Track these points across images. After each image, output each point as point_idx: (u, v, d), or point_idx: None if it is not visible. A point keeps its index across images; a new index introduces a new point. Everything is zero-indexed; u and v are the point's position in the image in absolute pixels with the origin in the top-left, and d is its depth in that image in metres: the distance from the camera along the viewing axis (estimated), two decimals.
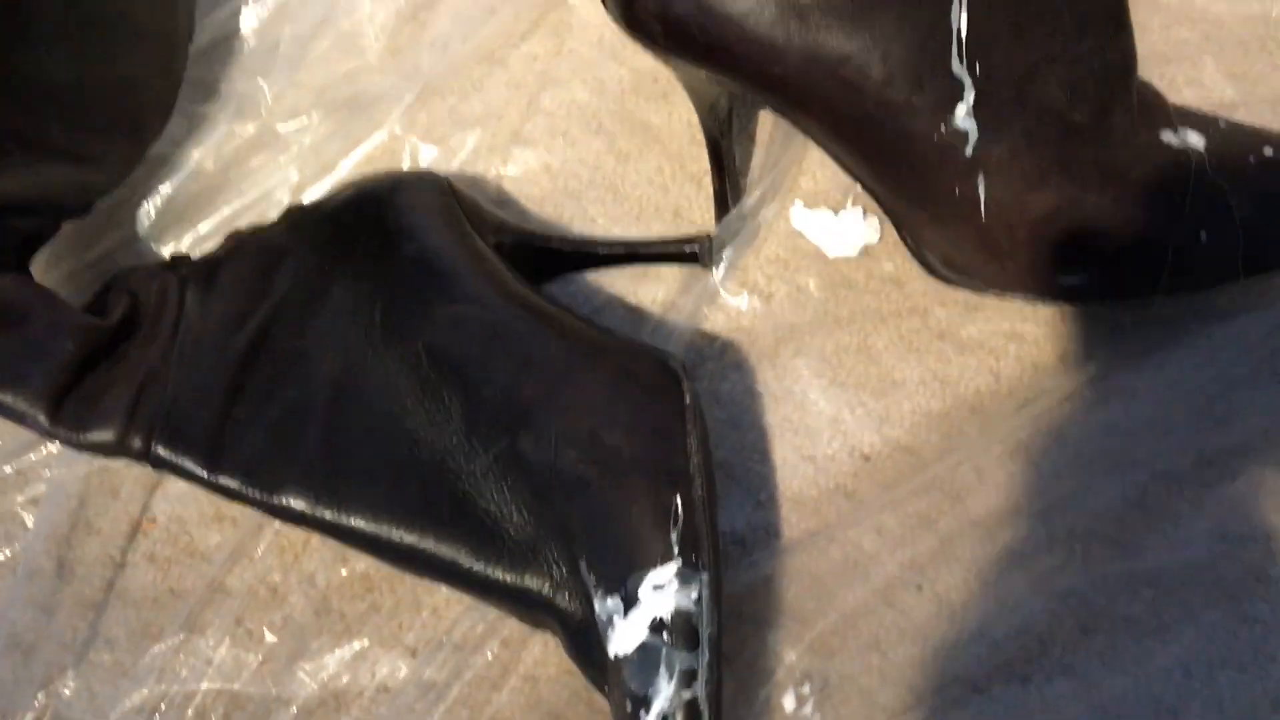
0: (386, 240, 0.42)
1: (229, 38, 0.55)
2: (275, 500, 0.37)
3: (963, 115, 0.38)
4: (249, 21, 0.55)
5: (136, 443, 0.37)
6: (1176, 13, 0.49)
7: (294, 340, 0.40)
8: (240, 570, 0.46)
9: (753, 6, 0.38)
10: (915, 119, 0.39)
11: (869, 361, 0.46)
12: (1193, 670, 0.39)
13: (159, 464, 0.37)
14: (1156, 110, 0.41)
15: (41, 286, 0.40)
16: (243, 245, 0.45)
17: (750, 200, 0.48)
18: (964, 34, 0.38)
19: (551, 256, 0.46)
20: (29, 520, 0.47)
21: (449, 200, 0.44)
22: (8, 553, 0.47)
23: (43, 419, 0.36)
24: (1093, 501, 0.42)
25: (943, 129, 0.39)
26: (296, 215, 0.46)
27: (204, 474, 0.37)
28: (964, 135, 0.39)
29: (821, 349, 0.46)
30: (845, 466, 0.45)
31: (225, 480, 0.37)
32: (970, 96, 0.38)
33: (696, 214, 0.50)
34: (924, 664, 0.40)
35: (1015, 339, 0.45)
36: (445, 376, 0.39)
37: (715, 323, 0.48)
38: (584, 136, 0.52)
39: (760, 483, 0.45)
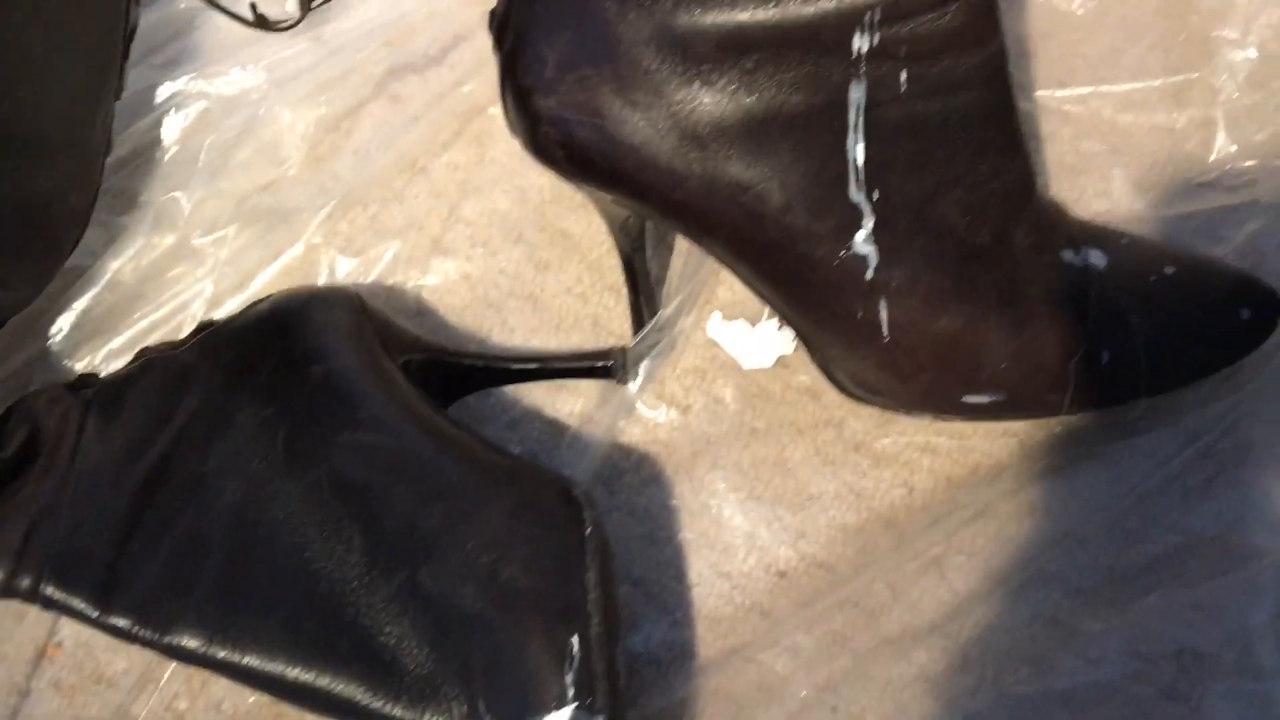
0: (293, 362, 0.42)
1: (150, 147, 0.55)
2: (166, 640, 0.36)
3: (862, 240, 0.39)
4: (170, 131, 0.55)
5: (25, 583, 0.36)
6: (1086, 124, 0.49)
7: (195, 467, 0.40)
8: (146, 697, 0.45)
9: (652, 135, 0.38)
10: (815, 245, 0.39)
11: (785, 474, 0.46)
12: None
13: (49, 605, 0.37)
14: (1058, 229, 0.42)
15: None
16: (150, 365, 0.44)
17: (668, 311, 0.48)
18: (860, 163, 0.38)
19: (464, 373, 0.46)
20: None
21: (359, 319, 0.44)
22: None
23: None
24: (1006, 619, 0.42)
25: (843, 254, 0.39)
26: (207, 334, 0.45)
27: (94, 614, 0.36)
28: (864, 260, 0.39)
29: (738, 462, 0.46)
30: (761, 584, 0.44)
31: (115, 620, 0.36)
32: (869, 223, 0.39)
33: (615, 324, 0.50)
34: None
35: (929, 452, 0.45)
36: (347, 506, 0.38)
37: (632, 435, 0.47)
38: (504, 246, 0.52)
39: (676, 600, 0.44)
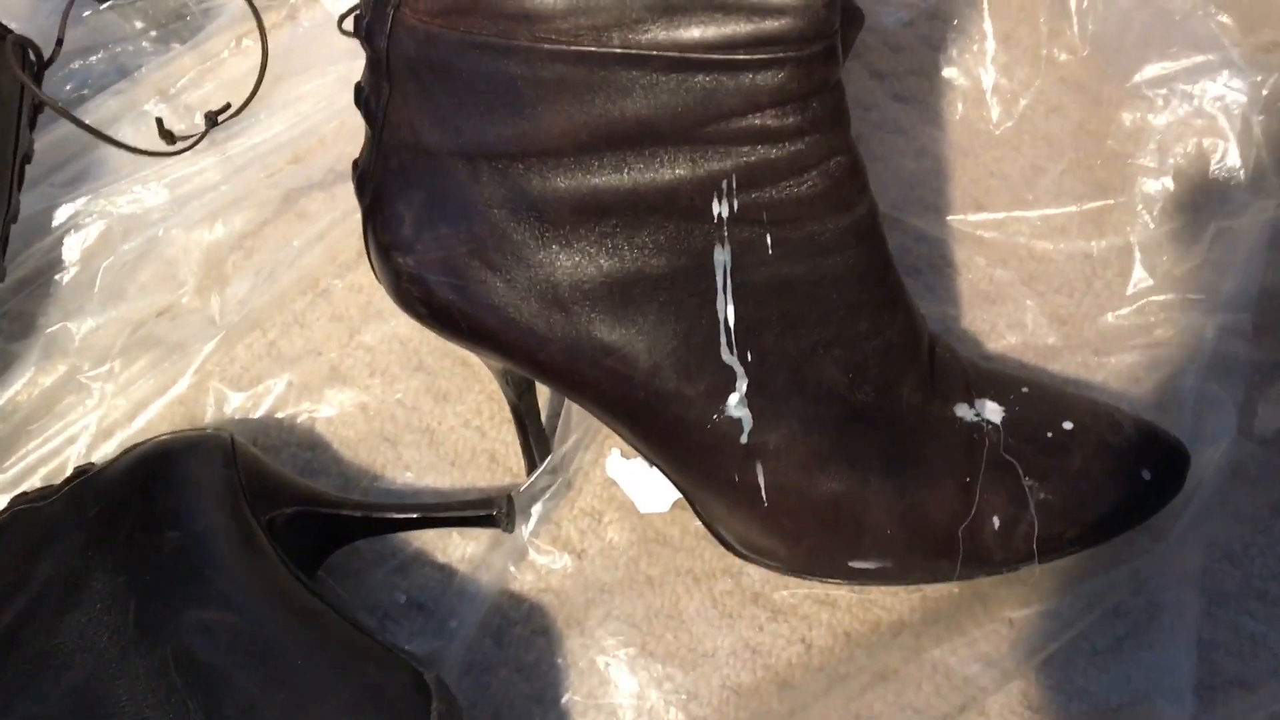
0: (152, 523, 0.40)
1: (50, 268, 0.54)
2: None
3: (735, 403, 0.37)
4: (70, 253, 0.54)
5: None
6: (1001, 250, 0.47)
7: (44, 642, 0.38)
8: None
9: (512, 297, 0.37)
10: (687, 408, 0.37)
11: (679, 628, 0.44)
12: None
13: None
14: (954, 380, 0.40)
15: None
16: (17, 519, 0.43)
17: (564, 449, 0.46)
18: (731, 323, 0.36)
19: (345, 522, 0.44)
20: None
21: (228, 473, 0.42)
22: None
23: None
24: None
25: (716, 418, 0.37)
26: (78, 483, 0.44)
27: None
28: (738, 423, 0.37)
29: (631, 614, 0.44)
30: None
31: None
32: (742, 385, 0.37)
33: (513, 460, 0.48)
34: None
35: (828, 605, 0.43)
36: (190, 686, 0.37)
37: (524, 582, 0.46)
38: (404, 374, 0.50)
39: None
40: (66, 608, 0.39)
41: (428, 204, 0.36)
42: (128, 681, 0.37)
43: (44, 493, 0.45)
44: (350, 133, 0.56)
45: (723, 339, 0.37)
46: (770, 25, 0.32)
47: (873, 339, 0.38)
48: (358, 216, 0.52)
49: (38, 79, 0.49)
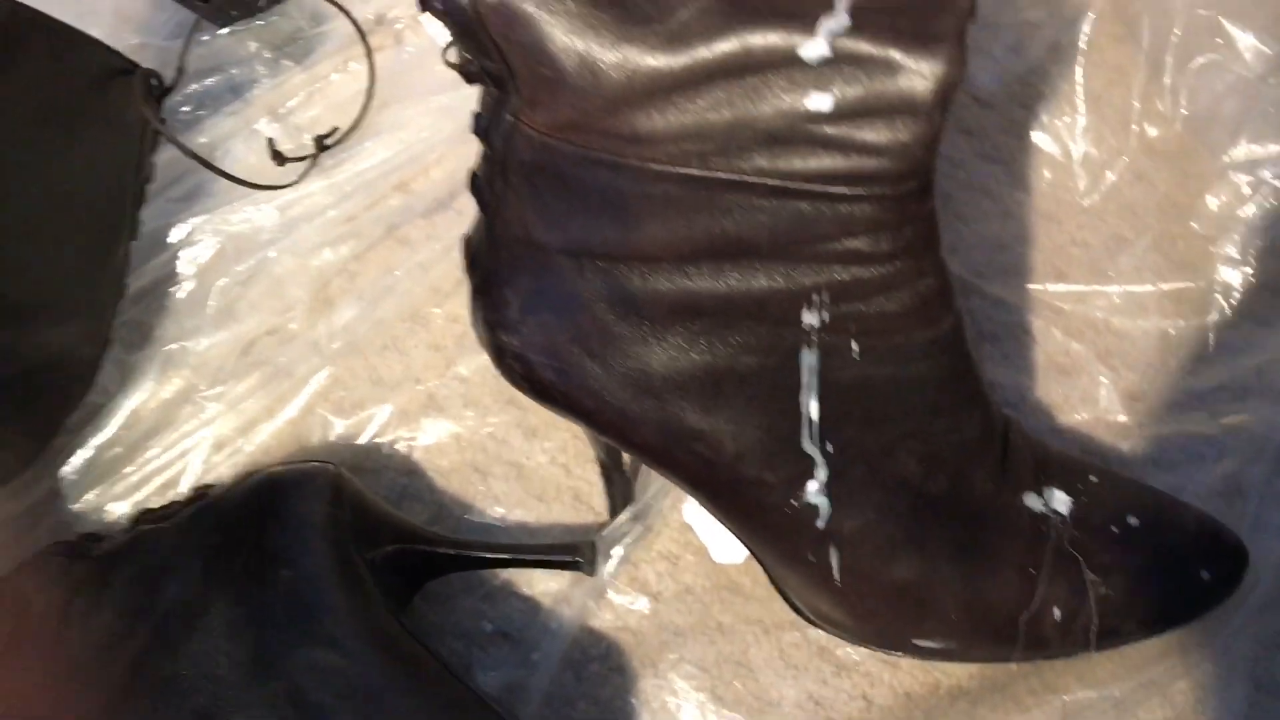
0: (267, 558, 0.44)
1: (166, 281, 0.57)
2: None
3: (814, 491, 0.39)
4: (184, 268, 0.57)
5: None
6: (1079, 323, 0.49)
7: (170, 667, 0.42)
8: None
9: (609, 384, 0.39)
10: (768, 492, 0.39)
11: (747, 676, 0.47)
12: None
13: None
14: (1024, 468, 0.42)
15: None
16: (140, 542, 0.46)
17: (646, 496, 0.49)
18: (815, 417, 0.38)
19: (439, 559, 0.48)
20: None
21: (335, 511, 0.45)
22: None
23: None
24: None
25: (794, 502, 0.39)
26: (197, 508, 0.47)
27: None
28: (815, 509, 0.39)
29: (703, 659, 0.47)
30: None
31: None
32: (822, 474, 0.39)
33: (596, 499, 0.51)
34: None
35: (890, 666, 0.46)
36: None
37: (603, 620, 0.49)
38: (495, 407, 0.53)
39: None
40: (189, 635, 0.42)
41: (534, 292, 0.39)
42: (245, 712, 0.40)
43: (165, 512, 0.48)
44: (452, 163, 0.58)
45: (804, 431, 0.39)
46: (868, 163, 0.33)
47: (950, 435, 0.39)
48: (457, 247, 0.55)
49: (159, 104, 0.52)
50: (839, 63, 0.32)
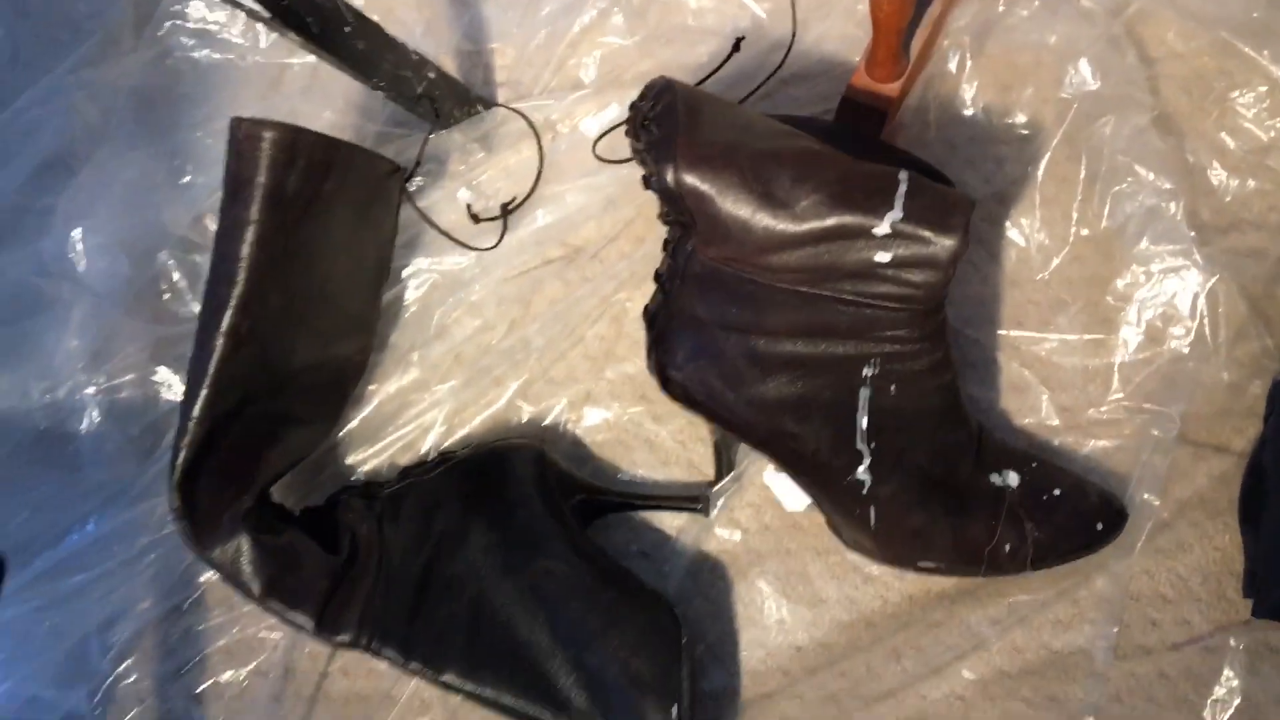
0: (504, 505, 0.65)
1: (397, 303, 0.78)
2: (442, 678, 0.61)
3: (862, 471, 0.61)
4: (411, 296, 0.78)
5: (364, 642, 0.61)
6: (1029, 358, 0.70)
7: (449, 568, 0.64)
8: (402, 686, 0.70)
9: (738, 405, 0.61)
10: (833, 472, 0.62)
11: (805, 583, 0.69)
12: None
13: (376, 655, 0.62)
14: (990, 456, 0.64)
15: (301, 536, 0.64)
16: (411, 488, 0.68)
17: (741, 465, 0.71)
18: (864, 428, 0.61)
19: (606, 505, 0.70)
20: (270, 640, 0.72)
21: (543, 470, 0.67)
22: (256, 662, 0.72)
23: (311, 628, 0.61)
24: (934, 692, 0.65)
25: (849, 478, 0.62)
26: (448, 465, 0.68)
27: (402, 663, 0.61)
28: (862, 483, 0.62)
29: (777, 571, 0.70)
30: (784, 653, 0.68)
31: (414, 665, 0.61)
32: (867, 461, 0.61)
33: (704, 465, 0.73)
34: None
35: (900, 578, 0.68)
36: (542, 604, 0.62)
37: (710, 545, 0.71)
38: (633, 402, 0.75)
39: (731, 660, 0.68)
40: (458, 549, 0.64)
41: (694, 348, 0.61)
42: (503, 596, 0.62)
43: (419, 469, 0.70)
44: (598, 226, 0.79)
45: (858, 436, 0.61)
46: (909, 292, 0.55)
47: (946, 439, 0.62)
48: (602, 286, 0.77)
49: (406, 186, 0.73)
50: (895, 236, 0.54)
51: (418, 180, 0.78)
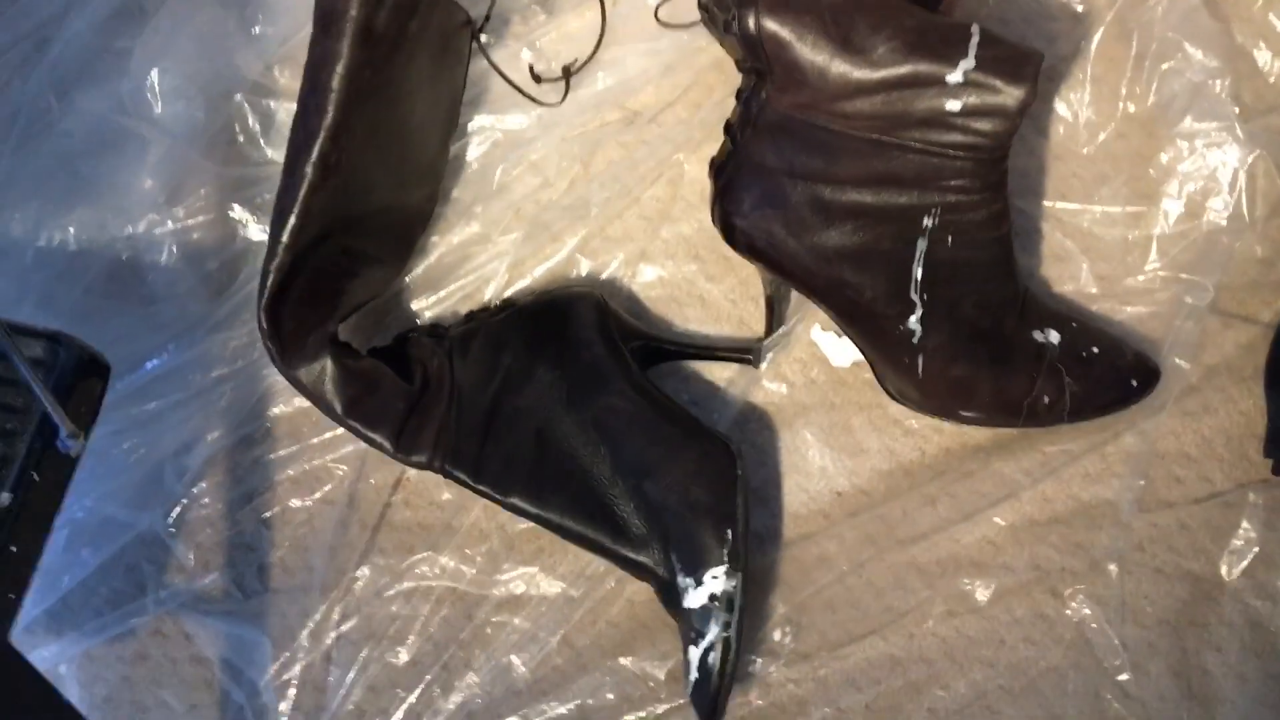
0: (568, 346, 0.68)
1: (461, 159, 0.80)
2: (508, 500, 0.65)
3: (914, 321, 0.64)
4: (474, 153, 0.79)
5: (437, 463, 0.65)
6: (1071, 229, 0.73)
7: (515, 402, 0.67)
8: (461, 516, 0.73)
9: (800, 252, 0.64)
10: (887, 320, 0.64)
11: (848, 434, 0.73)
12: None
13: (448, 476, 0.65)
14: (1032, 315, 0.67)
15: (379, 364, 0.66)
16: (476, 330, 0.70)
17: (790, 321, 0.74)
18: (919, 278, 0.63)
19: (662, 351, 0.73)
20: (336, 471, 0.75)
21: (604, 317, 0.70)
22: (323, 491, 0.75)
23: (389, 447, 0.64)
24: (966, 538, 0.69)
25: (900, 328, 0.64)
26: (511, 311, 0.71)
27: (472, 484, 0.65)
28: (913, 332, 0.64)
29: (821, 422, 0.73)
30: (825, 498, 0.72)
31: (483, 488, 0.65)
32: (919, 312, 0.64)
33: (754, 323, 0.76)
34: (856, 624, 0.68)
35: (938, 430, 0.72)
36: (604, 438, 0.65)
37: (757, 397, 0.74)
38: (686, 260, 0.77)
39: (774, 503, 0.72)
40: (523, 386, 0.67)
41: (760, 196, 0.63)
42: (565, 431, 0.65)
43: (483, 315, 0.72)
44: (656, 91, 0.80)
45: (912, 286, 0.63)
46: (976, 140, 0.57)
47: (995, 294, 0.64)
48: (659, 149, 0.78)
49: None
50: (967, 85, 0.56)
51: (483, 37, 0.79)
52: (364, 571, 0.72)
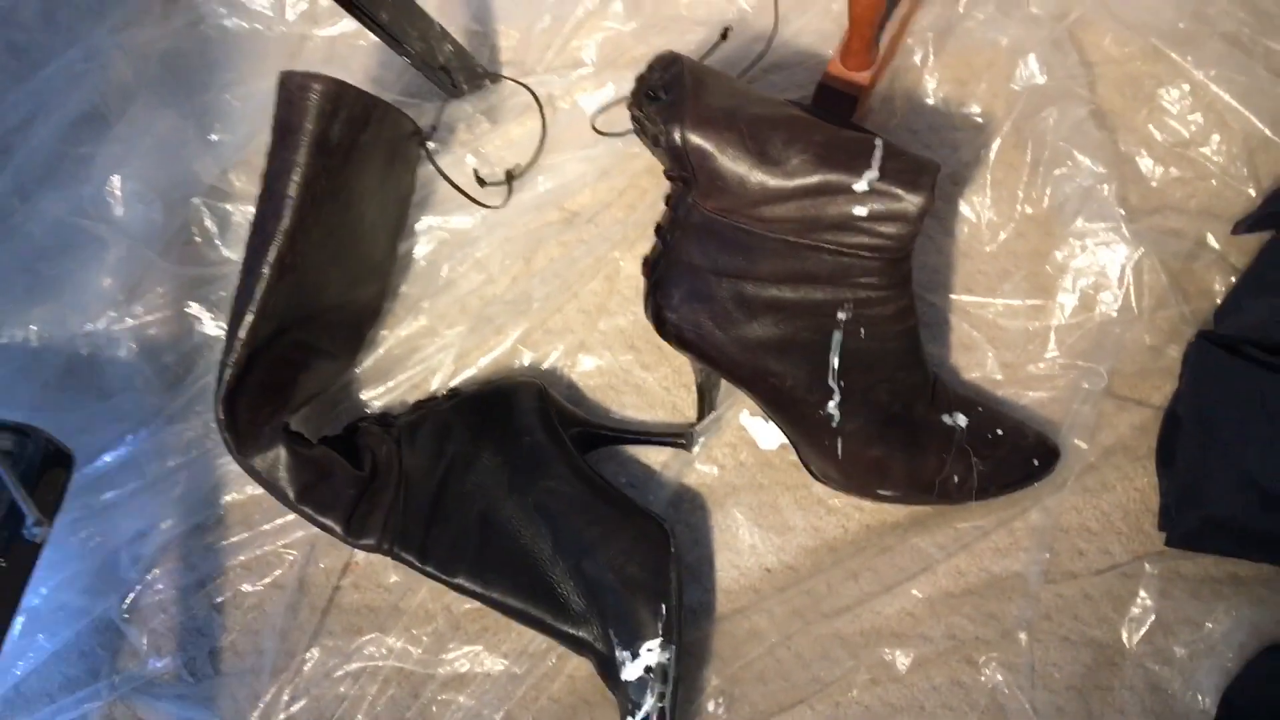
0: (510, 433, 0.72)
1: (408, 258, 0.84)
2: (454, 581, 0.67)
3: (832, 407, 0.69)
4: (421, 251, 0.83)
5: (386, 546, 0.67)
6: (976, 320, 0.78)
7: (461, 486, 0.70)
8: (408, 598, 0.76)
9: (726, 344, 0.68)
10: (807, 406, 0.69)
11: (775, 513, 0.76)
12: None
13: (396, 558, 0.68)
14: (942, 400, 0.71)
15: (331, 452, 0.69)
16: (425, 417, 0.74)
17: (720, 407, 0.78)
18: (836, 367, 0.68)
19: (601, 436, 0.76)
20: (286, 556, 0.77)
21: (545, 405, 0.74)
22: (273, 576, 0.77)
23: (340, 531, 0.66)
24: (888, 609, 0.73)
25: (820, 413, 0.69)
26: (458, 399, 0.75)
27: (419, 565, 0.67)
28: (832, 417, 0.69)
29: (750, 502, 0.77)
30: (755, 574, 0.75)
31: (430, 569, 0.67)
32: (836, 398, 0.68)
33: (686, 409, 0.80)
34: (786, 694, 0.71)
35: (859, 509, 0.76)
36: (544, 519, 0.68)
37: (690, 479, 0.78)
38: (623, 351, 0.81)
39: (707, 579, 0.75)
40: (469, 470, 0.70)
41: (689, 292, 0.67)
42: (507, 515, 0.68)
43: (431, 403, 0.76)
44: (593, 194, 0.85)
45: (830, 374, 0.68)
46: (881, 243, 0.62)
47: (906, 380, 0.69)
48: (597, 247, 0.83)
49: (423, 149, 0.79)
50: (872, 192, 0.61)
51: (431, 144, 0.84)
52: (313, 653, 0.74)
